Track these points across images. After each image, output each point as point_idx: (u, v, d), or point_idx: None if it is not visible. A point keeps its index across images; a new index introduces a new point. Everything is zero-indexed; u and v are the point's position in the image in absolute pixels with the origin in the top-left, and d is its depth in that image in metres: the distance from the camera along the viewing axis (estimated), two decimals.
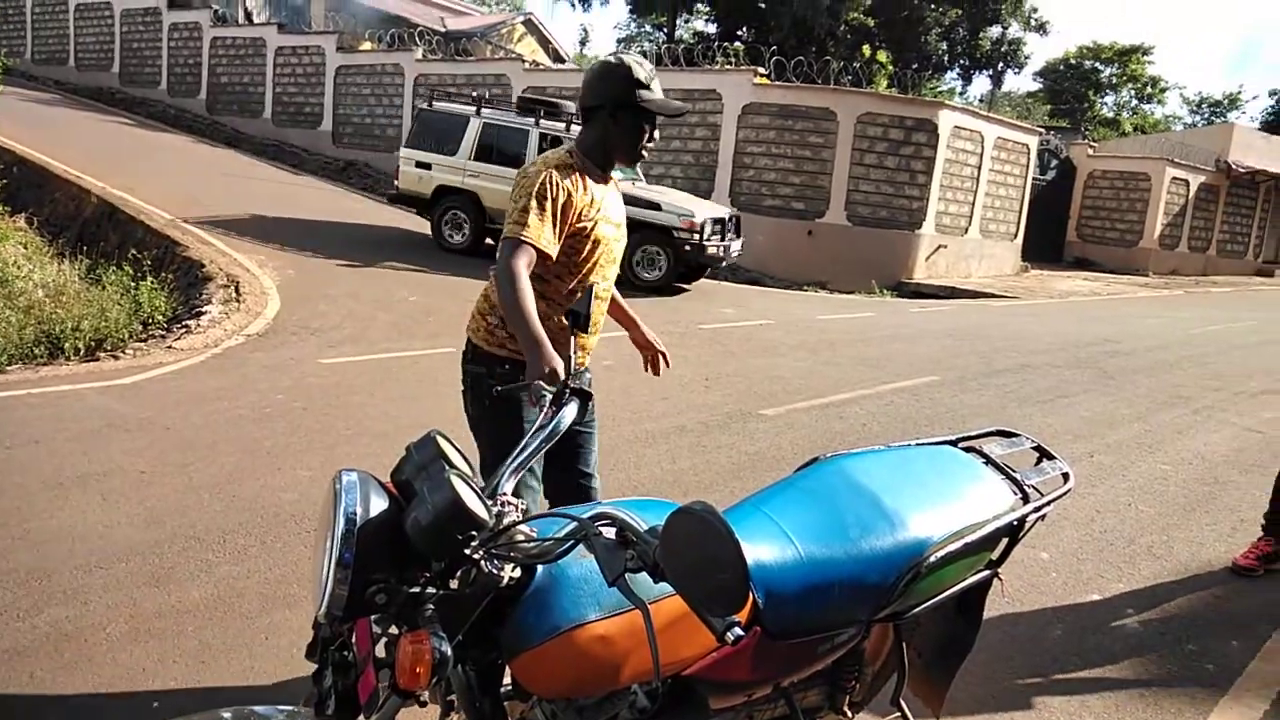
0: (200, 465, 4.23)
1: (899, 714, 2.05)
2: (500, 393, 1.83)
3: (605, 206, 2.44)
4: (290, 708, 1.45)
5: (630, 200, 11.14)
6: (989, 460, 2.06)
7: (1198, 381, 8.32)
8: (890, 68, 25.89)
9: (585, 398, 1.74)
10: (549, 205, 2.27)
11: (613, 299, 2.69)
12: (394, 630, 1.34)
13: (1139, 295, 18.01)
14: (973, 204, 16.85)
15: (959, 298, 14.58)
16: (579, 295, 2.36)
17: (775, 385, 6.82)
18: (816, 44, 26.99)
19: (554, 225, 2.28)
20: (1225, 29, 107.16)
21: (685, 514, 1.15)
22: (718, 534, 1.12)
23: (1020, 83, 78.53)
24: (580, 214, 2.35)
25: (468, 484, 1.33)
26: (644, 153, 2.42)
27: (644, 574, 1.23)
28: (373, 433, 4.89)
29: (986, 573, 1.98)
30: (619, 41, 42.23)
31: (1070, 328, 11.60)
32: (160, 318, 7.59)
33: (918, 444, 2.12)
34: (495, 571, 1.33)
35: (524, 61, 19.56)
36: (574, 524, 1.33)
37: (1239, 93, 47.86)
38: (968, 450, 2.11)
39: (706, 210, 11.25)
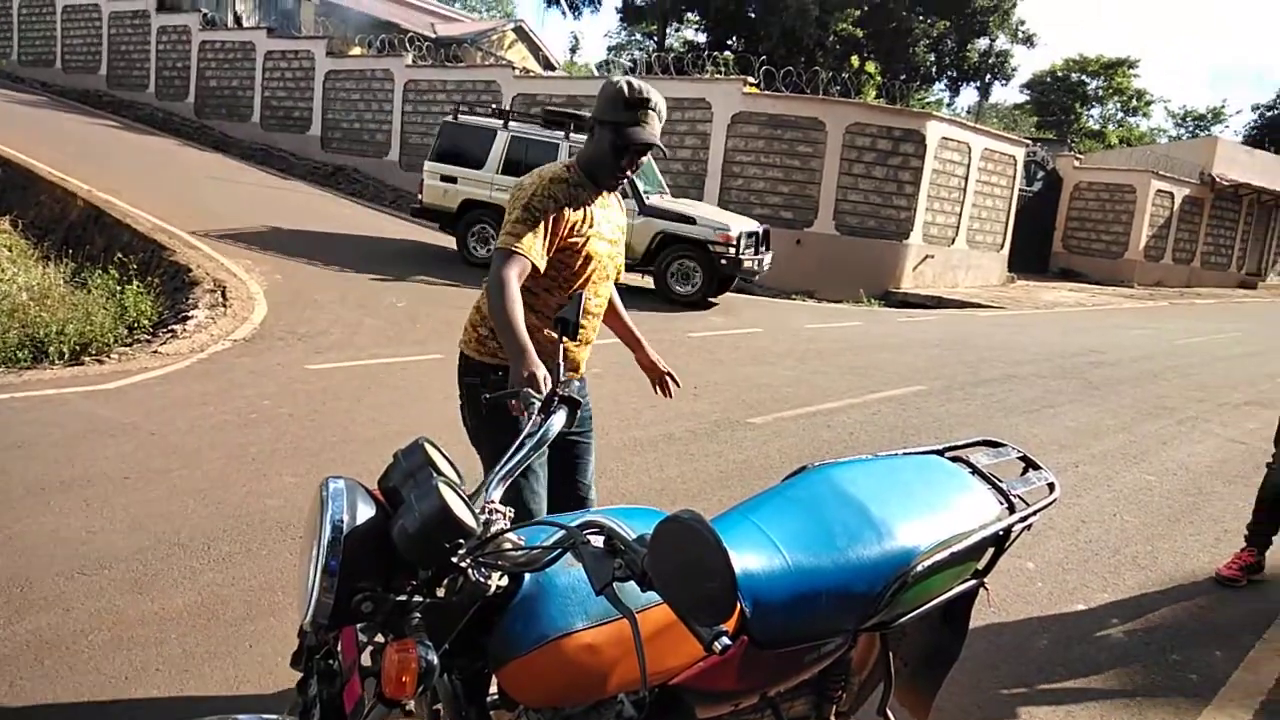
0: (185, 471, 4.20)
1: None
2: (490, 400, 1.83)
3: (599, 222, 2.43)
4: (275, 717, 1.45)
5: (664, 214, 11.13)
6: (975, 470, 2.07)
7: (1182, 392, 8.39)
8: (879, 78, 26.10)
9: (574, 405, 1.74)
10: (540, 217, 2.27)
11: (620, 319, 2.69)
12: (380, 639, 1.34)
13: (1124, 306, 18.15)
14: (960, 214, 16.95)
15: (946, 308, 14.67)
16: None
17: (763, 394, 6.83)
18: (805, 54, 27.17)
19: (544, 238, 2.28)
20: (1210, 43, 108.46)
21: (673, 522, 1.15)
22: (706, 542, 1.12)
23: (1007, 94, 79.25)
24: (572, 228, 2.34)
25: (455, 492, 1.32)
26: (618, 180, 2.39)
27: (632, 583, 1.22)
28: (360, 439, 4.87)
29: (973, 582, 1.98)
30: (609, 50, 42.39)
31: (1056, 338, 11.68)
32: (146, 322, 7.54)
33: (905, 453, 2.13)
34: (483, 580, 1.32)
35: (514, 68, 19.58)
36: (561, 532, 1.32)
37: (1223, 107, 48.31)
38: (954, 460, 2.12)
39: (740, 224, 11.13)
